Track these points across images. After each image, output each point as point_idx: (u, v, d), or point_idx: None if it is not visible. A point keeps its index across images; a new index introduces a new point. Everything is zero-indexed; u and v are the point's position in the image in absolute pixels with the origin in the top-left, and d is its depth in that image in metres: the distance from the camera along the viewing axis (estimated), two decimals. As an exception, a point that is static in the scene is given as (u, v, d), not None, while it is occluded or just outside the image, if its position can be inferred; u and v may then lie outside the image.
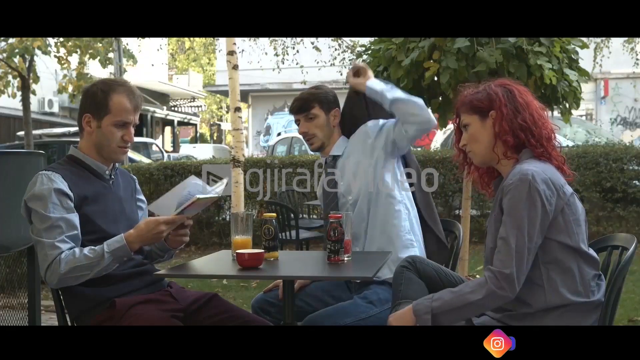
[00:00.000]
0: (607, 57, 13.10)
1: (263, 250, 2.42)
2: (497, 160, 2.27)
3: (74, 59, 10.93)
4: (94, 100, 2.49)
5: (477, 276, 5.33)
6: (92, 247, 2.37)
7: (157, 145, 17.12)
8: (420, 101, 2.82)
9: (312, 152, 3.77)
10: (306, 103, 2.96)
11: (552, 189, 2.11)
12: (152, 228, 2.37)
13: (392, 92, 2.85)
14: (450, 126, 11.15)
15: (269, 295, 2.84)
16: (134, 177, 2.76)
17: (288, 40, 11.90)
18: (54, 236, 2.34)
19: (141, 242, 2.41)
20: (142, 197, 2.74)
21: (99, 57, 10.74)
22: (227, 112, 29.65)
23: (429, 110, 2.94)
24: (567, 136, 10.13)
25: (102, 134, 2.49)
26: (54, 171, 2.42)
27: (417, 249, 2.81)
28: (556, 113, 4.54)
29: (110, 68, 12.09)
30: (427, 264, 2.45)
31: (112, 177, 2.58)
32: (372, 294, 2.72)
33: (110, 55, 11.49)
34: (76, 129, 2.70)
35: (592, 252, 2.20)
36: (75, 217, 2.39)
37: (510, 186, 2.12)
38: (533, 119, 2.23)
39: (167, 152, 19.15)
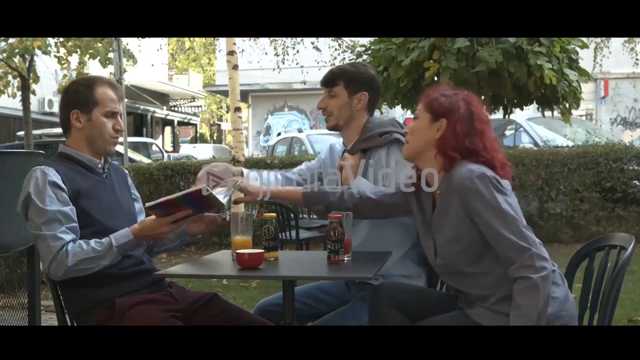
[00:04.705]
0: (607, 57, 13.11)
1: (263, 250, 2.42)
2: (434, 167, 2.28)
3: (74, 59, 10.94)
4: (78, 96, 2.51)
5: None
6: (98, 240, 2.38)
7: (157, 145, 17.13)
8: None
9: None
10: (332, 78, 2.82)
11: (495, 180, 2.16)
12: (157, 226, 2.41)
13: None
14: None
15: (273, 298, 2.81)
16: (125, 170, 2.79)
17: (288, 40, 11.90)
18: (54, 228, 2.33)
19: (144, 238, 2.45)
20: (134, 191, 2.76)
21: (99, 57, 10.75)
22: (227, 112, 29.65)
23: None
24: (567, 136, 10.14)
25: (94, 126, 2.50)
26: (46, 165, 2.43)
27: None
28: (556, 113, 4.54)
29: (110, 68, 12.07)
30: (405, 291, 2.43)
31: (106, 170, 2.58)
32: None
33: (110, 55, 11.48)
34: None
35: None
36: (71, 210, 2.39)
37: (466, 188, 2.14)
38: (484, 147, 2.24)
39: (167, 152, 19.15)
